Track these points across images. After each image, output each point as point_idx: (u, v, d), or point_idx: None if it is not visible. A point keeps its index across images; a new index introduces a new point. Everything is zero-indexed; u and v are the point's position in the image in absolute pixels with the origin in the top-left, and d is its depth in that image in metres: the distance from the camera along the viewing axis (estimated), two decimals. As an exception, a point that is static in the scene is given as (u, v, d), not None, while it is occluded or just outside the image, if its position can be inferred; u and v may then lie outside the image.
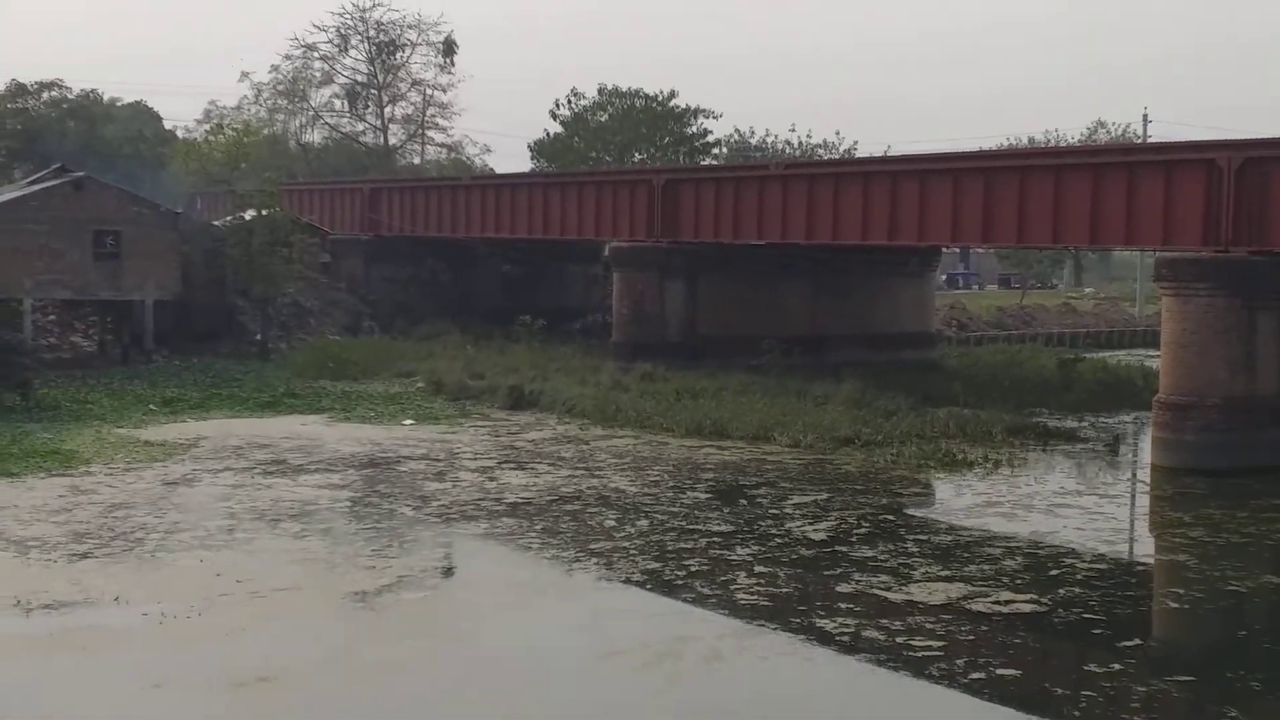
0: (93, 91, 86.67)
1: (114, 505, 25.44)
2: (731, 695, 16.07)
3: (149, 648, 17.37)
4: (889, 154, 64.11)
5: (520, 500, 26.60)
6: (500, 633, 18.54)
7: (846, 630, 18.11)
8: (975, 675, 16.37)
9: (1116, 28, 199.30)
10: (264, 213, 53.15)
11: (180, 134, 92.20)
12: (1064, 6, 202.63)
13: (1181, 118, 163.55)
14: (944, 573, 21.15)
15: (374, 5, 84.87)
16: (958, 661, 16.82)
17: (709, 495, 27.46)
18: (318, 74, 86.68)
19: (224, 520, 24.37)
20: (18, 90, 78.62)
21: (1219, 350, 31.51)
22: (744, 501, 26.79)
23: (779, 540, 23.40)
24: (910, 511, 26.54)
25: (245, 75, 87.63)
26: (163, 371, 45.85)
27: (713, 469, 30.46)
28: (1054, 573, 21.49)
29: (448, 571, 22.18)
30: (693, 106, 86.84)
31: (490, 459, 31.44)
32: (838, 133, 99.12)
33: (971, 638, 17.96)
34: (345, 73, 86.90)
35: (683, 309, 48.00)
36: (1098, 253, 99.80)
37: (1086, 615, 19.22)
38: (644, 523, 24.60)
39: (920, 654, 17.09)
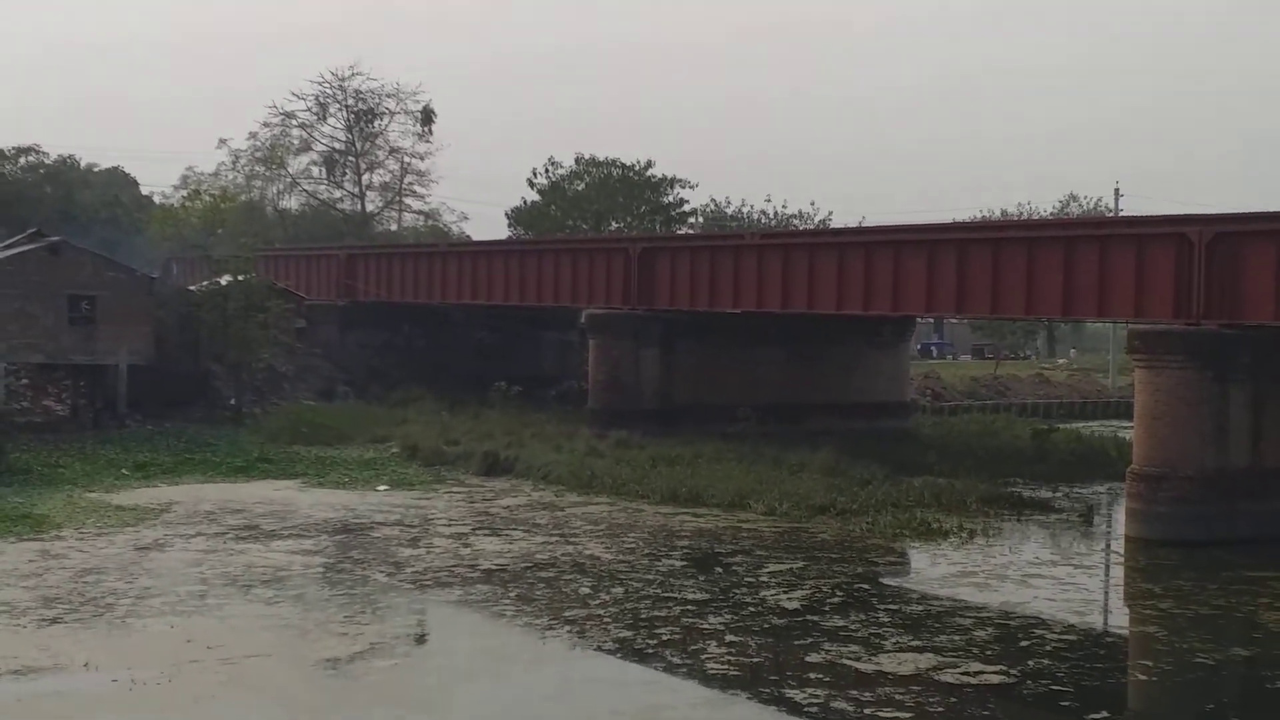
0: (70, 157, 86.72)
1: (85, 570, 25.23)
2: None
3: (117, 715, 17.19)
4: (864, 225, 64.55)
5: (495, 567, 26.49)
6: (471, 701, 18.40)
7: (815, 701, 18.03)
8: (946, 747, 16.31)
9: (1090, 90, 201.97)
10: (240, 278, 53.16)
11: (157, 199, 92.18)
12: (1055, 58, 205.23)
13: (1150, 189, 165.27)
14: (915, 643, 21.12)
15: (353, 74, 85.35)
16: (928, 733, 16.77)
17: (684, 563, 27.39)
18: (296, 141, 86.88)
19: (196, 586, 24.19)
20: (-6, 154, 78.61)
21: (1192, 422, 31.68)
22: (719, 569, 26.73)
23: (752, 609, 23.34)
24: (885, 580, 26.52)
25: (223, 142, 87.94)
26: (136, 436, 45.60)
27: (688, 536, 30.41)
28: (1024, 644, 21.48)
29: (420, 638, 22.03)
30: (669, 176, 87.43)
31: (465, 525, 31.33)
32: (813, 203, 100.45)
33: (940, 709, 17.91)
34: (323, 140, 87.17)
35: (658, 376, 48.06)
36: (1070, 324, 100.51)
37: (1055, 687, 19.20)
38: (619, 590, 24.52)
39: (889, 725, 17.03)
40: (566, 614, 22.67)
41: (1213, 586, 26.39)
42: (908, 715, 17.42)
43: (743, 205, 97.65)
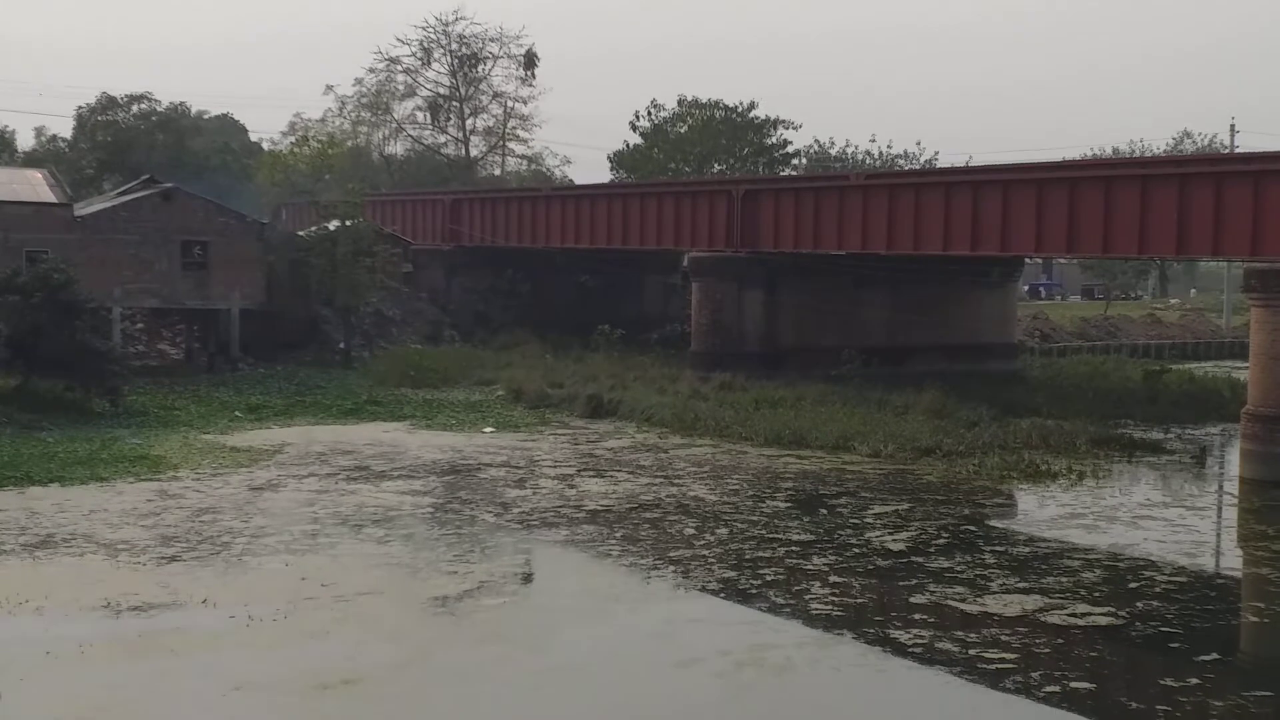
0: (181, 104, 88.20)
1: (201, 510, 25.85)
2: (802, 706, 16.03)
3: (235, 650, 17.63)
4: (971, 164, 63.55)
5: (600, 508, 26.69)
6: (577, 640, 18.62)
7: (920, 641, 17.99)
8: (1050, 689, 16.20)
9: (1202, 46, 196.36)
10: (347, 223, 53.79)
11: (266, 146, 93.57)
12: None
13: (1270, 126, 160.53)
14: (1021, 584, 20.97)
15: (456, 19, 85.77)
16: (1032, 675, 16.66)
17: (788, 504, 27.39)
18: (401, 87, 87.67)
19: (308, 525, 24.69)
20: (108, 103, 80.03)
21: (1309, 362, 30.94)
22: (823, 511, 26.71)
23: (857, 550, 23.31)
24: (992, 522, 26.32)
25: (330, 88, 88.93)
26: (248, 379, 46.54)
27: (792, 478, 30.39)
28: (1133, 585, 21.23)
29: (527, 578, 22.30)
30: (772, 117, 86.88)
31: (570, 466, 31.59)
32: (918, 143, 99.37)
33: (1046, 651, 17.77)
34: (428, 85, 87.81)
35: (761, 319, 47.94)
36: (1184, 263, 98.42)
37: (1164, 629, 18.97)
38: (723, 531, 24.61)
39: (994, 667, 16.95)
40: (671, 554, 22.81)
41: (1330, 529, 25.85)
42: (1014, 656, 17.33)
43: (847, 146, 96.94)
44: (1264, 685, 16.86)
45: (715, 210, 49.43)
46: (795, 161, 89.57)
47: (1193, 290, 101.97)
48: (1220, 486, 31.54)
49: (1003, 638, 18.15)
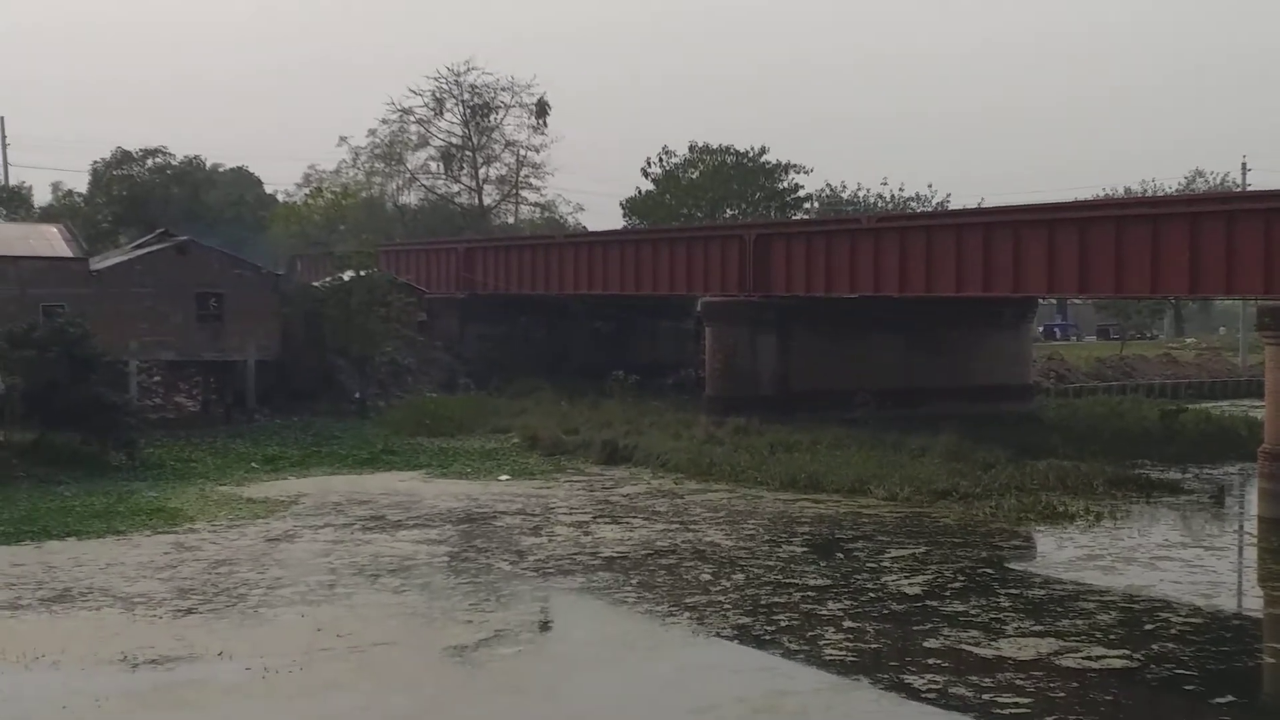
0: (195, 158, 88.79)
1: (218, 562, 25.87)
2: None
3: (251, 702, 17.60)
4: (982, 205, 63.67)
5: (615, 554, 26.65)
6: (592, 688, 18.57)
7: (934, 687, 17.89)
8: (1065, 732, 16.07)
9: (1213, 81, 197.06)
10: (362, 273, 54.04)
11: (280, 198, 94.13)
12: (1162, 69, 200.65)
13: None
14: (1036, 628, 20.87)
15: (468, 69, 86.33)
16: (1047, 719, 16.52)
17: (804, 549, 27.32)
18: (414, 137, 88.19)
19: (325, 575, 24.69)
20: (123, 157, 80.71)
21: (1326, 399, 30.82)
22: (840, 555, 26.63)
23: (873, 594, 23.22)
24: (1009, 565, 26.20)
25: (344, 140, 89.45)
26: (264, 430, 46.65)
27: (808, 522, 30.33)
28: (1149, 627, 21.10)
29: (543, 626, 22.26)
30: (783, 162, 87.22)
31: (585, 513, 31.56)
32: (930, 186, 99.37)
33: (1061, 694, 17.65)
34: (440, 135, 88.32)
35: (775, 362, 47.98)
36: (1198, 302, 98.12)
37: (1179, 671, 18.83)
38: (739, 576, 24.54)
39: (1008, 711, 16.83)
40: (687, 600, 22.76)
41: (1349, 568, 25.69)
42: (1028, 700, 17.22)
43: (859, 189, 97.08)
44: (1283, 726, 16.74)
45: (728, 255, 49.58)
46: (807, 205, 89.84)
47: (1221, 329, 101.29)
48: (1240, 526, 31.40)
49: (1018, 681, 18.04)
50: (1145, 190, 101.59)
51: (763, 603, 22.58)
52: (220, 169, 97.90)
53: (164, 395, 51.47)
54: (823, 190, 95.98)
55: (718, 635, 20.72)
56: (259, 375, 50.11)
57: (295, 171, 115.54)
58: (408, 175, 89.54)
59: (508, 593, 23.58)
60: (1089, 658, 19.18)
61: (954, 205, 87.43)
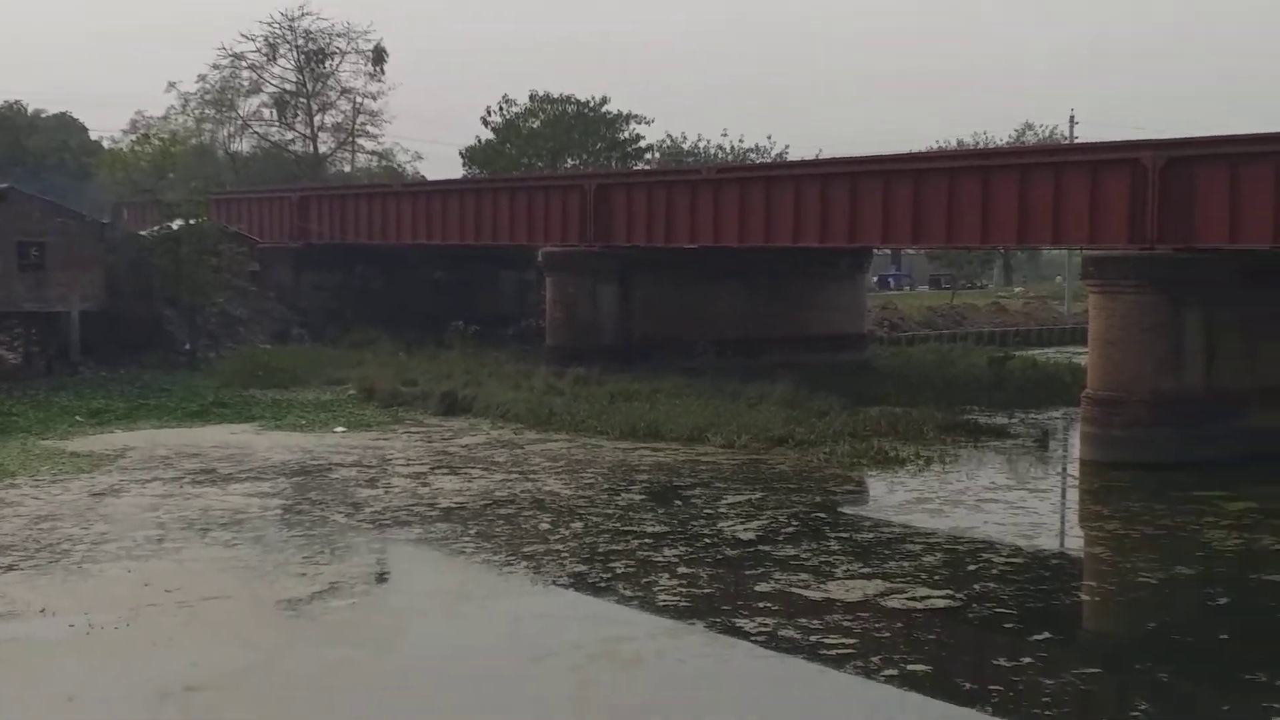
0: (16, 102, 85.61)
1: (40, 517, 25.03)
2: (646, 695, 16.06)
3: (73, 659, 17.09)
4: (820, 157, 64.39)
5: (454, 505, 26.45)
6: (427, 639, 18.44)
7: (764, 630, 18.11)
8: (888, 672, 16.36)
9: (1046, 19, 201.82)
10: (191, 222, 52.62)
11: (106, 144, 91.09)
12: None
13: (1105, 116, 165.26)
14: (864, 570, 21.26)
15: (302, 14, 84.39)
16: (872, 659, 16.81)
17: (643, 497, 27.44)
18: (246, 83, 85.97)
19: (152, 530, 24.05)
20: (-62, 101, 77.50)
21: (1146, 346, 31.91)
22: (678, 502, 26.80)
23: (708, 540, 23.42)
24: (842, 509, 26.66)
25: (172, 85, 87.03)
26: (89, 383, 45.22)
27: (647, 471, 30.46)
28: (971, 568, 21.65)
29: (379, 577, 22.00)
30: (625, 112, 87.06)
31: (423, 465, 31.27)
32: (769, 137, 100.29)
33: (886, 635, 17.99)
34: (274, 82, 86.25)
35: (616, 313, 48.03)
36: (1026, 252, 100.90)
37: (999, 609, 19.34)
38: (578, 525, 24.56)
39: (835, 651, 17.11)
40: (525, 550, 22.69)
41: (1161, 508, 26.66)
42: (853, 641, 17.52)
43: (699, 140, 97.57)
44: (1095, 662, 17.28)
45: (569, 205, 49.38)
46: (648, 156, 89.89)
47: (1058, 278, 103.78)
48: (1063, 469, 32.39)
49: (845, 623, 18.35)
50: (977, 143, 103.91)
51: (600, 550, 22.62)
52: (43, 114, 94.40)
53: (-17, 348, 49.57)
54: (664, 141, 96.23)
55: (554, 584, 20.70)
56: (84, 326, 48.51)
57: (122, 118, 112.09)
58: (240, 122, 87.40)
59: (343, 545, 23.25)
60: (914, 598, 19.59)
61: (792, 158, 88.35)
